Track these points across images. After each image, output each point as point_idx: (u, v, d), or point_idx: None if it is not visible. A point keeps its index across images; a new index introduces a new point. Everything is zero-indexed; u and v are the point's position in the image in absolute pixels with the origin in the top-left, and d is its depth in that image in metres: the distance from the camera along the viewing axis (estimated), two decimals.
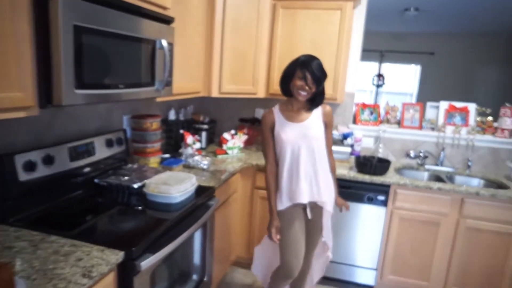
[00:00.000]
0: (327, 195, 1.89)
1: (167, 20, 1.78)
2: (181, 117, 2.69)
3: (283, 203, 1.88)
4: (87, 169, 1.75)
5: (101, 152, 1.85)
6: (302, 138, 1.81)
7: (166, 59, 1.72)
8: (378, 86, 7.15)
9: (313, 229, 1.97)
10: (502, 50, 6.37)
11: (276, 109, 1.89)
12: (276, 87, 2.73)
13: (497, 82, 6.47)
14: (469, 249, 2.28)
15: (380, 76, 7.10)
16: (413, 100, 7.12)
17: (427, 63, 6.92)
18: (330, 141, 1.94)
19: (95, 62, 1.31)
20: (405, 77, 7.35)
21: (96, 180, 1.79)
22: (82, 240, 1.27)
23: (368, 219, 2.43)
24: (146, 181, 1.76)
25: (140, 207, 1.69)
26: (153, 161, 2.19)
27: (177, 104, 2.76)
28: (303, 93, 1.74)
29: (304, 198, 1.84)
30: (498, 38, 6.31)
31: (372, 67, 7.19)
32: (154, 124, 2.16)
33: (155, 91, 1.74)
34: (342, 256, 2.52)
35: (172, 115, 2.61)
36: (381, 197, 2.38)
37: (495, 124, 2.72)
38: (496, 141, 2.67)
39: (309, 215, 1.92)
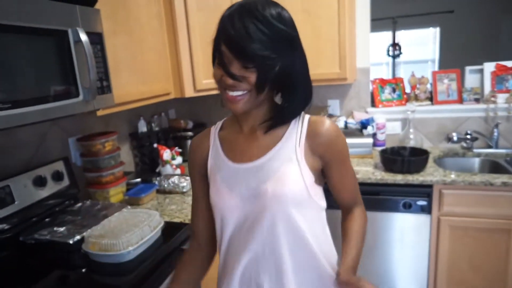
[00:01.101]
0: None
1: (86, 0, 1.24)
2: (155, 127, 2.17)
3: None
4: (2, 226, 1.24)
5: (27, 196, 1.34)
6: (251, 200, 0.81)
7: (88, 57, 1.18)
8: (395, 56, 6.41)
9: None
10: None
11: (215, 130, 0.92)
12: None
13: None
14: None
15: (395, 45, 6.35)
16: (436, 67, 6.34)
17: (447, 23, 6.11)
18: (349, 194, 0.92)
19: None
20: (423, 43, 6.58)
21: (21, 238, 1.29)
22: None
23: (408, 232, 1.84)
24: (85, 233, 1.24)
25: (83, 270, 1.19)
26: (115, 193, 1.67)
27: (151, 110, 2.23)
28: (231, 93, 0.75)
29: None
30: None
31: (385, 37, 6.44)
32: (107, 145, 1.64)
33: (82, 103, 1.21)
34: (379, 281, 1.95)
35: (142, 126, 2.08)
36: (421, 202, 1.78)
37: None
38: None
39: None
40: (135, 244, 1.18)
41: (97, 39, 1.27)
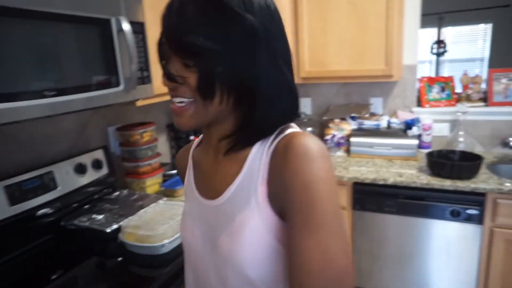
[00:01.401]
0: None
1: None
2: None
3: None
4: (46, 210, 1.27)
5: (68, 183, 1.36)
6: (210, 248, 0.62)
7: (130, 47, 1.16)
8: (439, 54, 6.08)
9: None
10: None
11: (195, 145, 0.75)
12: (308, 69, 2.10)
13: None
14: None
15: (440, 42, 6.02)
16: (485, 66, 5.93)
17: (501, 18, 5.69)
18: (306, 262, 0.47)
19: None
20: (470, 40, 6.19)
21: (62, 223, 1.31)
22: None
23: (455, 242, 1.71)
24: (122, 223, 1.24)
25: (120, 259, 1.20)
26: (151, 184, 1.68)
27: None
28: (176, 101, 0.57)
29: None
30: None
31: (429, 33, 6.11)
32: (145, 135, 1.64)
33: (122, 93, 1.21)
34: None
35: None
36: (472, 211, 1.64)
37: None
38: None
39: None
40: (170, 237, 1.16)
41: (139, 28, 1.26)
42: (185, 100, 0.56)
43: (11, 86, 0.86)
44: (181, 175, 0.77)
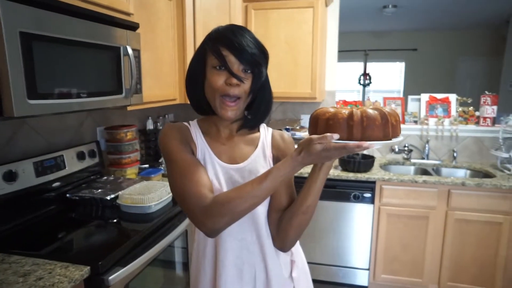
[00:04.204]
0: None
1: (131, 26, 1.73)
2: (160, 126, 2.64)
3: None
4: (57, 184, 1.68)
5: (72, 165, 1.78)
6: None
7: (132, 66, 1.66)
8: (365, 85, 7.16)
9: None
10: (483, 43, 6.43)
11: (195, 127, 0.99)
12: None
13: (478, 74, 6.51)
14: (460, 241, 2.24)
15: (366, 75, 7.12)
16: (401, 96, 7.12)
17: (411, 59, 6.96)
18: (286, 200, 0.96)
19: (50, 70, 1.25)
20: (391, 75, 7.38)
21: (68, 195, 1.72)
22: (46, 258, 1.21)
23: (356, 218, 2.38)
24: (120, 192, 1.70)
25: (114, 220, 1.63)
26: (130, 172, 2.13)
27: (156, 113, 2.70)
28: (231, 99, 0.87)
29: None
30: (478, 31, 6.38)
31: (358, 66, 7.21)
32: (129, 134, 2.10)
33: (123, 99, 1.69)
34: (333, 258, 2.46)
35: (150, 125, 2.55)
36: (367, 194, 2.33)
37: (477, 113, 2.70)
38: (479, 130, 2.65)
39: None
40: (156, 201, 1.65)
41: (136, 53, 1.76)
42: (238, 97, 0.87)
43: (65, 89, 1.32)
44: (189, 139, 0.95)
